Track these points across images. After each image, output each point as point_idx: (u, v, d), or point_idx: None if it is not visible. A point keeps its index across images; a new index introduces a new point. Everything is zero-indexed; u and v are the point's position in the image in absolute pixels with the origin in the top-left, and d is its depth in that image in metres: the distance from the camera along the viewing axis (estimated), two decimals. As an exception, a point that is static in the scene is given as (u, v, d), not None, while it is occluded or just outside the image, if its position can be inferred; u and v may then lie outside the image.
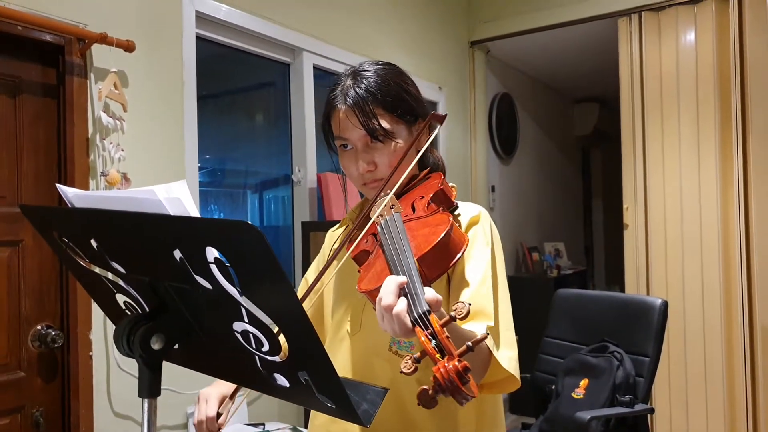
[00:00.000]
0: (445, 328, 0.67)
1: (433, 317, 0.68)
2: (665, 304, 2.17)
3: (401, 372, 0.65)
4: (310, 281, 1.20)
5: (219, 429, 1.05)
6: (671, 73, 3.06)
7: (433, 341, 0.66)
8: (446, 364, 0.63)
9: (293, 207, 2.68)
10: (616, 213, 3.62)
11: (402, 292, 0.72)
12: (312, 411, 1.10)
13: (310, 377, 0.63)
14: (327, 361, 0.60)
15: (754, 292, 2.84)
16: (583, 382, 2.15)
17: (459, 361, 0.63)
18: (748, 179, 2.86)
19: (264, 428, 2.10)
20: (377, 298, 0.74)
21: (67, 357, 1.72)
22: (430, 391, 0.63)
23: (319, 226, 2.49)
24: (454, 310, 0.67)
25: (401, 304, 0.70)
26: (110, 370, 1.78)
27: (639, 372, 2.11)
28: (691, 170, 3.01)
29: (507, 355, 0.87)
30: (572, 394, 2.15)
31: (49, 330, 1.69)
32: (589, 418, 1.89)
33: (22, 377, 1.66)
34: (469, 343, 0.64)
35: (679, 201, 3.03)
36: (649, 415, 2.12)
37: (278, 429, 2.11)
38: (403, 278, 0.73)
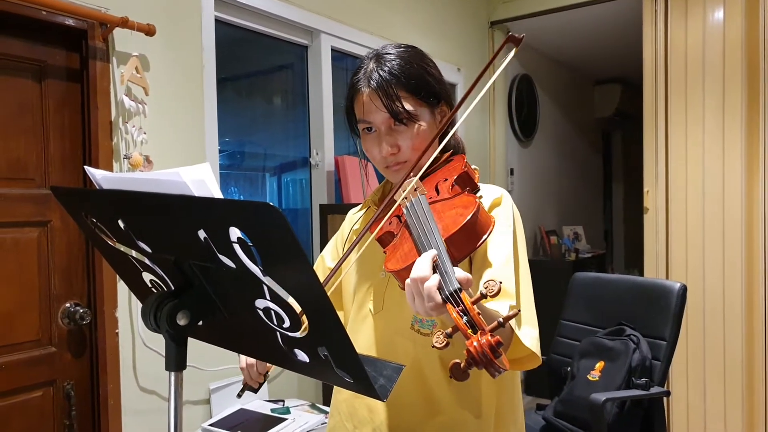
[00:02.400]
0: (475, 305, 0.69)
1: (464, 295, 0.70)
2: (684, 288, 2.16)
3: (433, 346, 0.68)
4: (327, 260, 1.22)
5: (267, 372, 1.08)
6: (697, 53, 2.98)
7: (465, 317, 0.69)
8: (480, 339, 0.65)
9: (311, 190, 2.71)
10: (637, 196, 3.58)
11: (434, 268, 0.74)
12: (335, 386, 1.13)
13: (329, 352, 0.65)
14: (345, 336, 0.63)
15: (776, 276, 2.80)
16: (599, 365, 2.15)
17: (492, 335, 0.65)
18: (774, 163, 2.80)
19: (284, 404, 2.15)
20: (408, 275, 0.75)
21: (94, 334, 1.78)
22: (463, 365, 0.66)
23: (337, 208, 2.51)
24: (485, 288, 0.69)
25: (434, 279, 0.72)
26: (135, 347, 1.84)
27: (656, 355, 2.11)
28: (714, 154, 2.95)
29: (529, 334, 0.88)
30: (588, 376, 2.16)
31: (77, 308, 1.75)
32: (604, 400, 1.90)
33: (53, 352, 1.72)
34: (500, 319, 0.66)
35: (702, 185, 2.98)
36: (665, 399, 2.13)
37: (297, 405, 2.16)
38: (434, 252, 0.75)
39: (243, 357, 1.08)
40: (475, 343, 0.65)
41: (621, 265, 6.11)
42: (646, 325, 2.18)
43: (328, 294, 0.59)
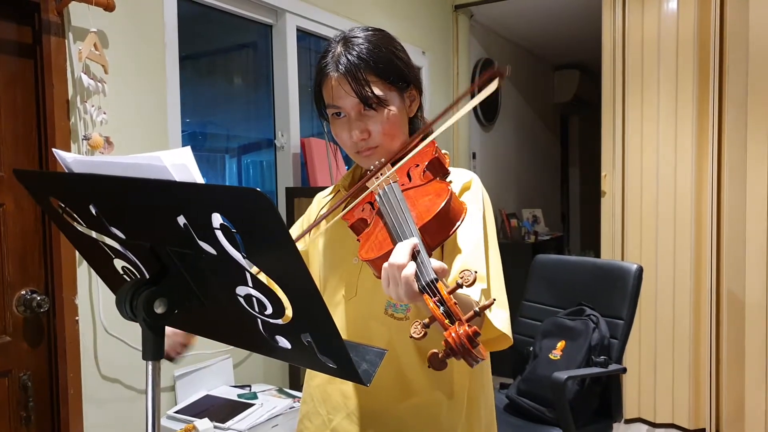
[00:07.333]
0: (452, 295, 0.70)
1: (440, 285, 0.71)
2: (640, 270, 2.24)
3: (411, 337, 0.69)
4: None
5: (188, 344, 1.04)
6: (653, 42, 3.07)
7: (442, 308, 0.69)
8: (457, 329, 0.66)
9: (277, 172, 2.67)
10: (593, 180, 3.68)
11: (413, 256, 0.74)
12: (308, 372, 1.13)
13: (312, 339, 0.65)
14: (330, 322, 0.62)
15: (722, 258, 2.93)
16: (560, 344, 2.22)
17: (469, 326, 0.66)
18: (722, 149, 2.92)
19: (250, 389, 2.14)
20: (385, 262, 0.75)
21: (53, 321, 1.72)
22: (441, 355, 0.67)
23: (304, 191, 2.48)
24: (461, 278, 0.69)
25: (411, 268, 0.73)
26: (97, 334, 1.79)
27: (613, 334, 2.19)
28: (668, 139, 3.06)
29: (500, 316, 0.90)
30: (549, 355, 2.23)
31: (34, 295, 1.68)
32: (566, 378, 1.97)
33: (8, 342, 1.65)
34: (477, 309, 0.68)
35: (656, 169, 3.09)
36: (621, 374, 2.22)
37: (264, 390, 2.15)
38: (415, 240, 0.75)
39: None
40: (453, 334, 0.66)
41: (577, 247, 6.30)
42: (604, 305, 2.26)
43: None
